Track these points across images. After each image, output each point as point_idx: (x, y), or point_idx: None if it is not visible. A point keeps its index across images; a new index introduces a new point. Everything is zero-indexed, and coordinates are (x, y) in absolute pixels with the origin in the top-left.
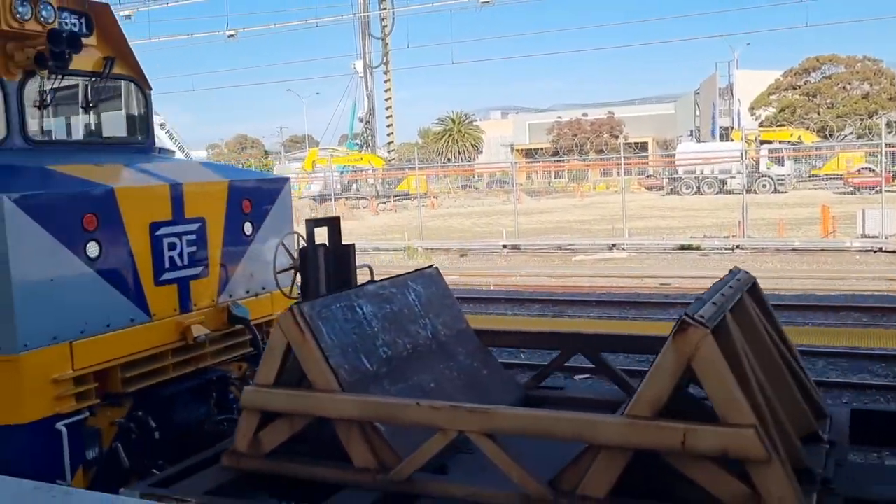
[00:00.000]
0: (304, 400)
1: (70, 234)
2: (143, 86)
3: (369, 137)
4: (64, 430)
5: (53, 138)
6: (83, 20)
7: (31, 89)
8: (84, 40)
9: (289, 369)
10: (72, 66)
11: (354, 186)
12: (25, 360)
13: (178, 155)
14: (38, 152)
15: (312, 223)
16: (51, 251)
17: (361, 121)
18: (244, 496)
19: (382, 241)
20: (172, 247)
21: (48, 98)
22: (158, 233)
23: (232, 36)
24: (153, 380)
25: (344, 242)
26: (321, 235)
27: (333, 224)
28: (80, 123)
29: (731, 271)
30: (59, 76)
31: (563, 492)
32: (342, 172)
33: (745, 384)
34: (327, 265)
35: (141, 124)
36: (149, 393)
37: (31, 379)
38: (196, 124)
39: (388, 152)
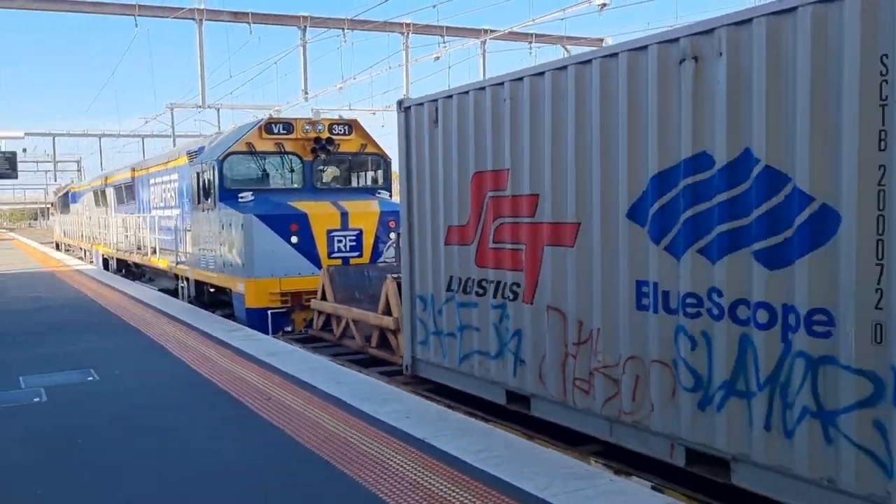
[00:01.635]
0: (320, 304)
1: (282, 232)
2: (383, 157)
3: None
4: (269, 314)
5: (329, 186)
6: (346, 127)
7: (317, 162)
8: (347, 137)
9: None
10: (341, 150)
11: None
12: (258, 281)
13: None
14: (315, 193)
15: (398, 234)
16: (272, 239)
17: None
18: (300, 343)
19: None
20: (339, 241)
21: (325, 166)
22: (331, 234)
23: None
24: None
25: None
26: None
27: None
28: (345, 178)
29: None
30: (329, 156)
31: (367, 342)
32: None
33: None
34: None
35: (377, 178)
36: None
37: (259, 290)
38: None
39: None
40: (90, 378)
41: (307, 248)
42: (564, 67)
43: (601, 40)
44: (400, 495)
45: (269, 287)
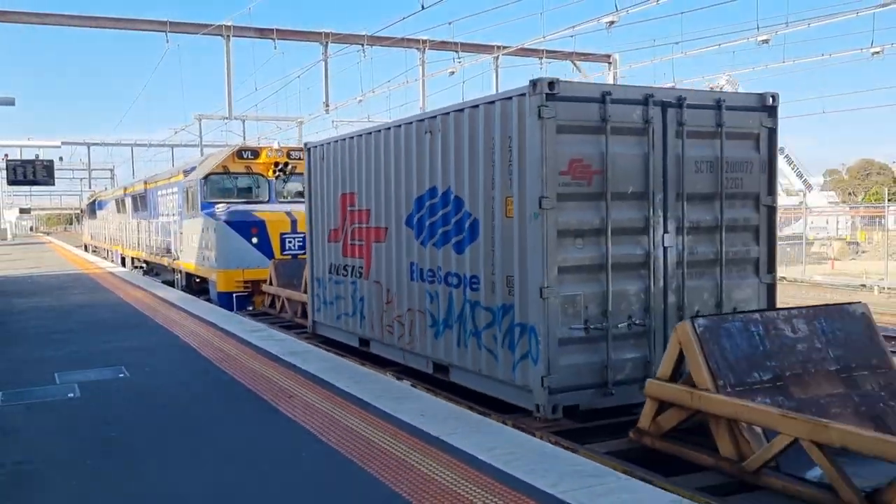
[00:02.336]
0: (267, 288)
1: (244, 233)
2: None
3: None
4: (234, 296)
5: (286, 198)
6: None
7: (278, 180)
8: (303, 160)
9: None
10: (298, 171)
11: None
12: (226, 272)
13: (795, 180)
14: (275, 205)
15: None
16: (236, 239)
17: None
18: (253, 316)
19: None
20: (290, 242)
21: (284, 183)
22: (283, 237)
23: (877, 53)
24: None
25: None
26: None
27: None
28: (302, 193)
29: None
30: (288, 175)
31: (295, 314)
32: None
33: None
34: None
35: None
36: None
37: (227, 278)
38: (815, 147)
39: None
40: (121, 375)
41: (265, 247)
42: (380, 131)
43: (608, 56)
44: (416, 491)
45: (234, 276)
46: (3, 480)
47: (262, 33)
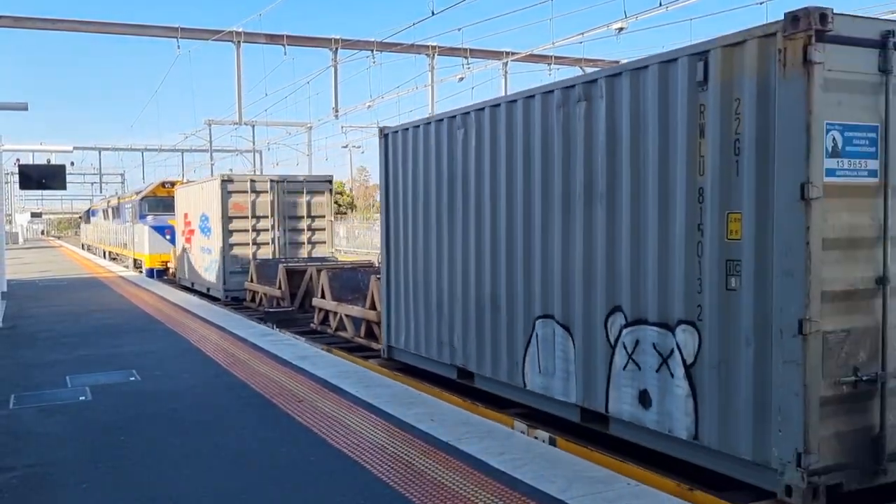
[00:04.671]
0: (173, 266)
1: (162, 234)
2: None
3: None
4: (155, 270)
5: None
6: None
7: None
8: None
9: None
10: None
11: None
12: (151, 255)
13: None
14: None
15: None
16: (157, 237)
17: None
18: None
19: None
20: None
21: None
22: None
23: None
24: None
25: None
26: None
27: None
28: None
29: None
30: None
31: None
32: None
33: None
34: None
35: None
36: None
37: (152, 259)
38: None
39: None
40: (132, 378)
41: (174, 242)
42: (194, 186)
43: (617, 62)
44: (426, 495)
45: (156, 258)
46: (16, 483)
47: (273, 39)
